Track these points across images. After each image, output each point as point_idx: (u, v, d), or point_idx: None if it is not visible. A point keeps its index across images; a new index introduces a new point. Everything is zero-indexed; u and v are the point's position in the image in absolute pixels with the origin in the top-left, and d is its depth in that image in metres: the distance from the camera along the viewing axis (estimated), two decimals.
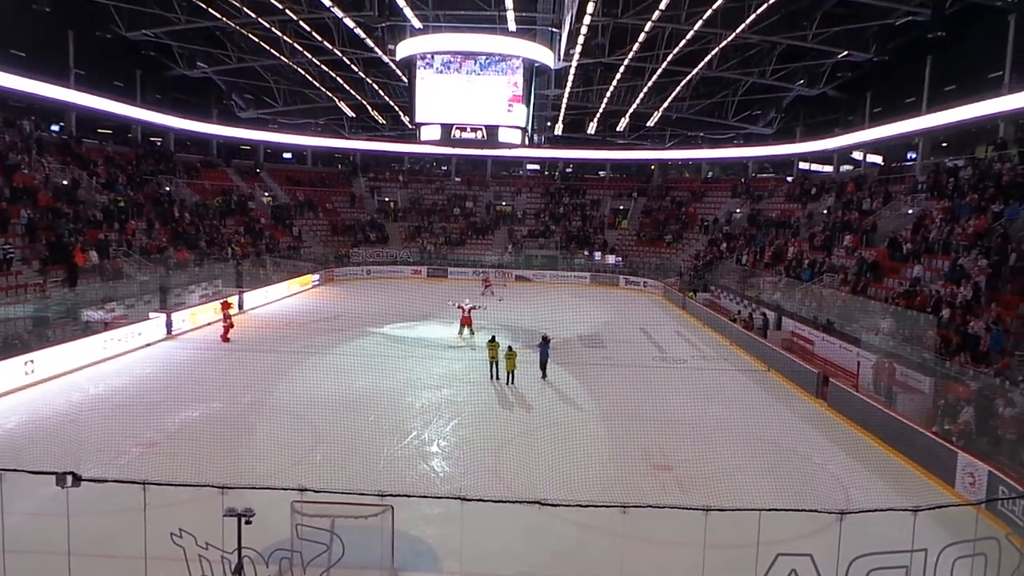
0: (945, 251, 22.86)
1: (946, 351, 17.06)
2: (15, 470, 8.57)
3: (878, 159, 40.56)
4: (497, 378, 19.88)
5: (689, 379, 20.96)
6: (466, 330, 25.82)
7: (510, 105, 33.48)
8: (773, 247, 34.79)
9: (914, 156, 35.27)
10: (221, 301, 26.65)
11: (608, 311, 32.01)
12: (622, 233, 50.06)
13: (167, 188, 38.12)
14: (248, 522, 7.94)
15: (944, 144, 35.11)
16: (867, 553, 7.95)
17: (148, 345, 22.95)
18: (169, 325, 24.68)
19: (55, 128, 36.71)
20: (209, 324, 26.43)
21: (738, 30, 30.39)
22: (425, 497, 8.61)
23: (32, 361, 18.34)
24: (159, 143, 43.94)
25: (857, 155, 41.73)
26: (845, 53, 32.72)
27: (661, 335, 27.55)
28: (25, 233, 24.89)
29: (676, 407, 17.89)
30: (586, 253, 47.14)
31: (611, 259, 46.14)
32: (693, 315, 33.07)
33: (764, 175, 50.05)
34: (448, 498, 8.37)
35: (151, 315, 24.38)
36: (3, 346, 18.65)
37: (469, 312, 26.13)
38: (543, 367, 20.34)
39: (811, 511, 8.69)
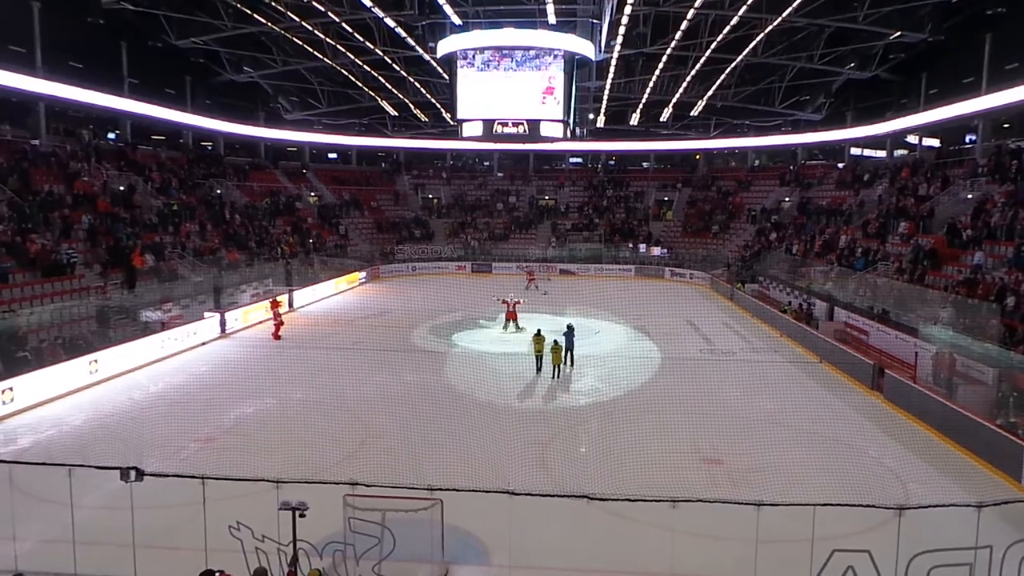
0: (1008, 237, 21.96)
1: (1011, 341, 16.40)
2: (83, 465, 8.97)
3: (934, 142, 39.09)
4: (541, 370, 20.01)
5: (738, 371, 20.66)
6: (511, 324, 25.93)
7: (545, 98, 33.44)
8: (824, 236, 33.96)
9: (973, 138, 33.90)
10: (271, 300, 27.29)
11: (654, 303, 31.74)
12: (667, 224, 49.51)
13: (218, 191, 39.17)
14: (302, 515, 8.13)
15: (1006, 125, 33.64)
16: (928, 550, 7.71)
17: (203, 344, 23.63)
18: (223, 324, 25.37)
19: (112, 136, 38.11)
20: (260, 323, 27.09)
21: (784, 14, 29.64)
22: (474, 491, 8.67)
23: (96, 361, 19.08)
24: (209, 147, 45.22)
25: (912, 139, 40.31)
26: (898, 34, 31.59)
27: (709, 327, 27.20)
28: (87, 238, 25.89)
29: (726, 400, 17.67)
30: (631, 245, 46.76)
31: (656, 251, 45.76)
32: (741, 306, 32.60)
33: (813, 162, 48.81)
34: (496, 492, 8.42)
35: (206, 315, 25.10)
36: (69, 347, 19.45)
37: (514, 307, 26.20)
38: (570, 356, 20.53)
39: (868, 506, 8.47)
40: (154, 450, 13.61)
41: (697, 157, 55.58)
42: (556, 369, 19.76)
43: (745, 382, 19.44)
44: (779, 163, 51.82)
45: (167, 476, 8.89)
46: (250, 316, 27.27)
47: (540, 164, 58.04)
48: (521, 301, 27.08)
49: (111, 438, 14.63)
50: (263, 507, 8.31)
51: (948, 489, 12.13)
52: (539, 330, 20.88)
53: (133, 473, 8.32)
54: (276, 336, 24.66)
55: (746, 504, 8.16)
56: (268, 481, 8.33)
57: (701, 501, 8.57)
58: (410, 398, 17.39)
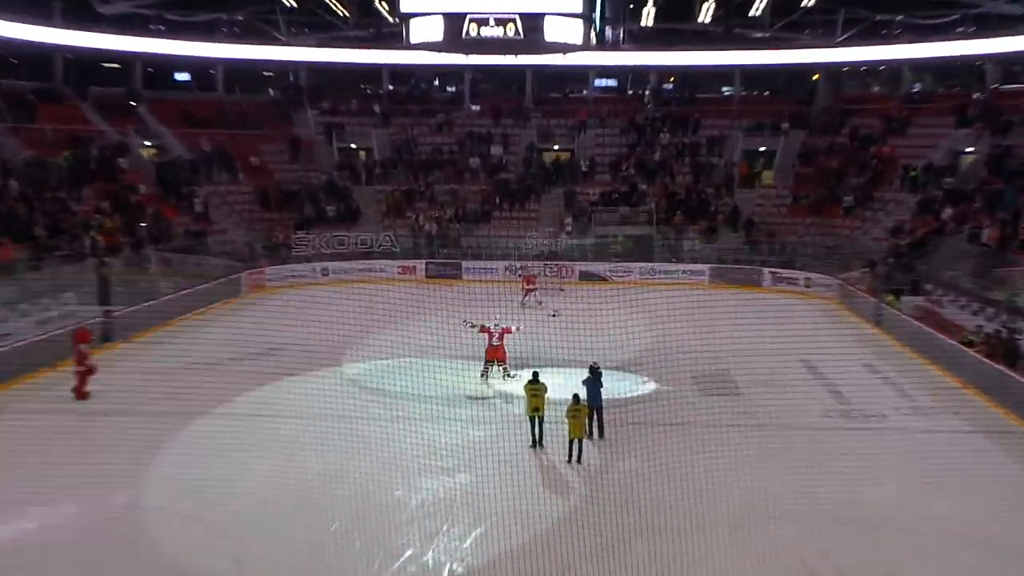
0: None
1: None
2: None
3: None
4: (542, 445, 20.22)
5: (891, 448, 20.73)
6: (495, 369, 25.93)
7: None
8: None
9: None
10: (74, 330, 26.91)
11: (744, 332, 31.58)
12: (765, 193, 49.74)
13: None
14: None
15: None
16: None
17: None
18: None
19: None
20: (52, 371, 26.74)
21: None
22: None
23: None
24: None
25: None
26: None
27: (839, 371, 27.15)
28: None
29: (869, 498, 17.64)
30: (702, 231, 46.91)
31: (747, 240, 45.91)
32: (894, 335, 32.71)
33: (1014, 86, 49.17)
34: None
35: None
36: None
37: (501, 338, 26.13)
38: (598, 419, 21.08)
39: None
40: None
41: (815, 79, 55.87)
42: (574, 447, 19.74)
43: (903, 467, 19.52)
44: (955, 88, 52.08)
45: None
46: (32, 359, 26.86)
47: (545, 91, 58.21)
48: (515, 328, 27.01)
49: None
50: None
51: None
52: (535, 374, 20.97)
53: None
54: (81, 393, 24.36)
55: None
56: None
57: None
58: (317, 500, 17.30)
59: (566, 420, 19.76)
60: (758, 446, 20.72)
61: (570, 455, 19.67)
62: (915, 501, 17.61)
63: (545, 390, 20.45)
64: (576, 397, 20.10)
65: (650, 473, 18.91)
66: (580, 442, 19.77)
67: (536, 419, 20.32)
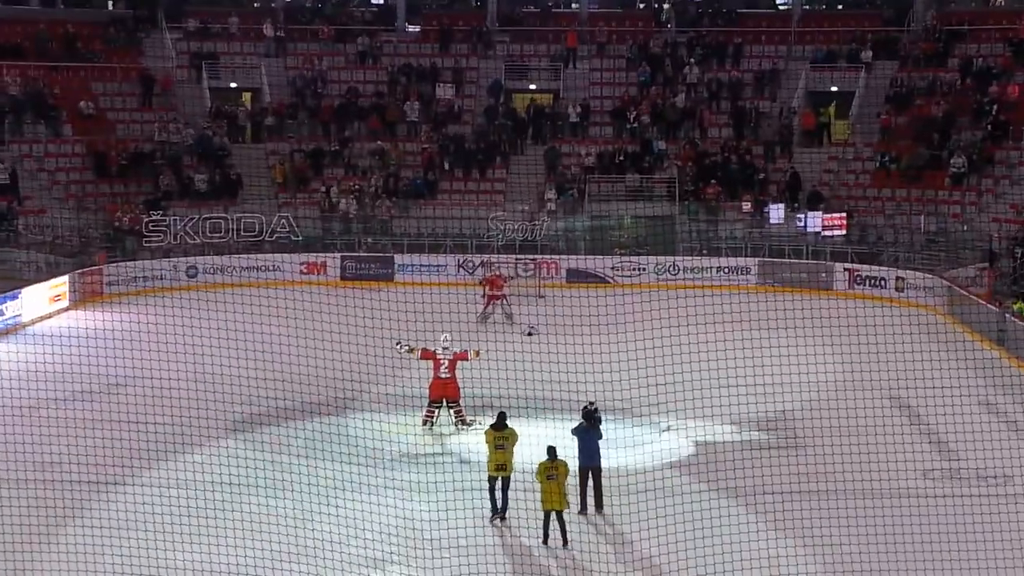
0: None
1: None
2: None
3: None
4: (503, 518, 20.79)
5: (1019, 523, 20.61)
6: (445, 411, 26.23)
7: None
8: None
9: None
10: None
11: (809, 356, 31.68)
12: (838, 154, 50.20)
13: None
14: None
15: None
16: None
17: None
18: None
19: None
20: None
21: None
22: None
23: None
24: None
25: None
26: None
27: (945, 413, 27.17)
28: None
29: None
30: (746, 207, 47.25)
31: (814, 221, 46.21)
32: (1023, 360, 32.93)
33: None
34: None
35: None
36: None
37: (452, 367, 26.39)
38: (595, 485, 21.34)
39: None
40: None
41: None
42: (551, 524, 19.88)
43: None
44: None
45: None
46: None
47: (516, 4, 58.20)
48: (472, 353, 27.24)
49: None
50: None
51: None
52: (502, 415, 21.30)
53: None
54: None
55: None
56: None
57: None
58: None
59: (540, 482, 19.84)
60: (831, 520, 20.61)
61: (545, 534, 19.79)
62: None
63: (516, 439, 20.67)
64: (552, 451, 20.14)
65: (671, 564, 18.93)
66: (560, 516, 19.79)
67: (494, 480, 20.49)
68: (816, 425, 26.18)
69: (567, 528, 19.84)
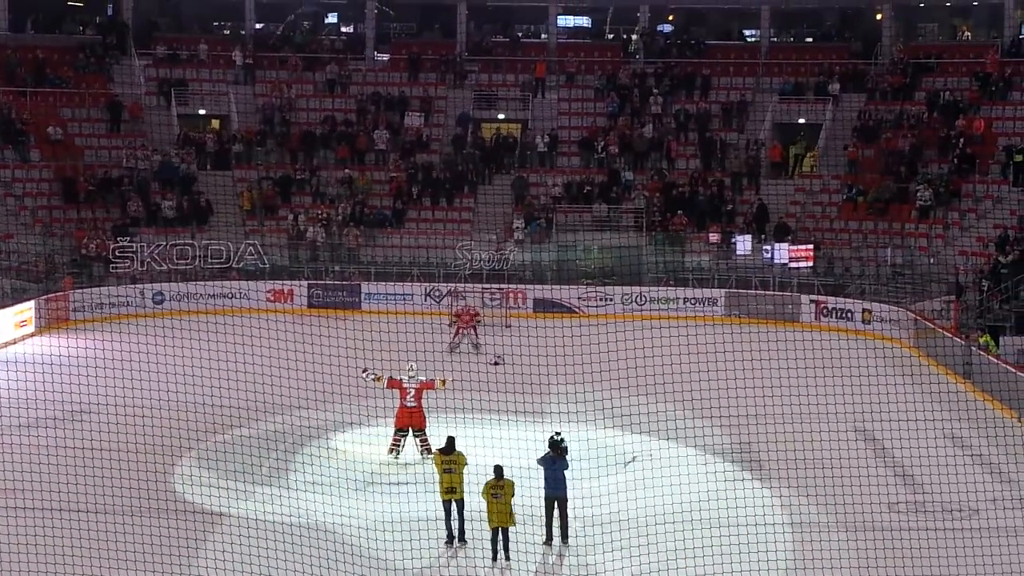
0: None
1: None
2: None
3: None
4: (463, 540, 20.72)
5: (985, 556, 20.37)
6: (410, 439, 26.16)
7: None
8: None
9: None
10: None
11: (775, 387, 31.73)
12: (805, 187, 50.29)
13: None
14: None
15: None
16: None
17: None
18: None
19: None
20: None
21: None
22: None
23: None
24: None
25: None
26: None
27: (911, 446, 27.23)
28: None
29: None
30: (713, 238, 47.39)
31: (781, 253, 46.24)
32: (990, 392, 32.98)
33: None
34: None
35: None
36: None
37: (418, 396, 26.29)
38: (560, 515, 21.02)
39: None
40: None
41: (878, 16, 56.42)
42: (498, 540, 19.95)
43: None
44: None
45: None
46: None
47: (485, 33, 58.17)
48: (439, 381, 27.15)
49: None
50: None
51: None
52: (450, 440, 21.34)
53: None
54: None
55: None
56: None
57: None
58: None
59: (487, 500, 19.94)
60: (795, 553, 20.75)
61: (494, 552, 19.89)
62: None
63: (464, 463, 20.77)
64: (499, 470, 20.21)
65: None
66: (505, 532, 19.92)
67: (455, 504, 20.48)
68: (782, 457, 25.98)
69: (508, 544, 19.83)
